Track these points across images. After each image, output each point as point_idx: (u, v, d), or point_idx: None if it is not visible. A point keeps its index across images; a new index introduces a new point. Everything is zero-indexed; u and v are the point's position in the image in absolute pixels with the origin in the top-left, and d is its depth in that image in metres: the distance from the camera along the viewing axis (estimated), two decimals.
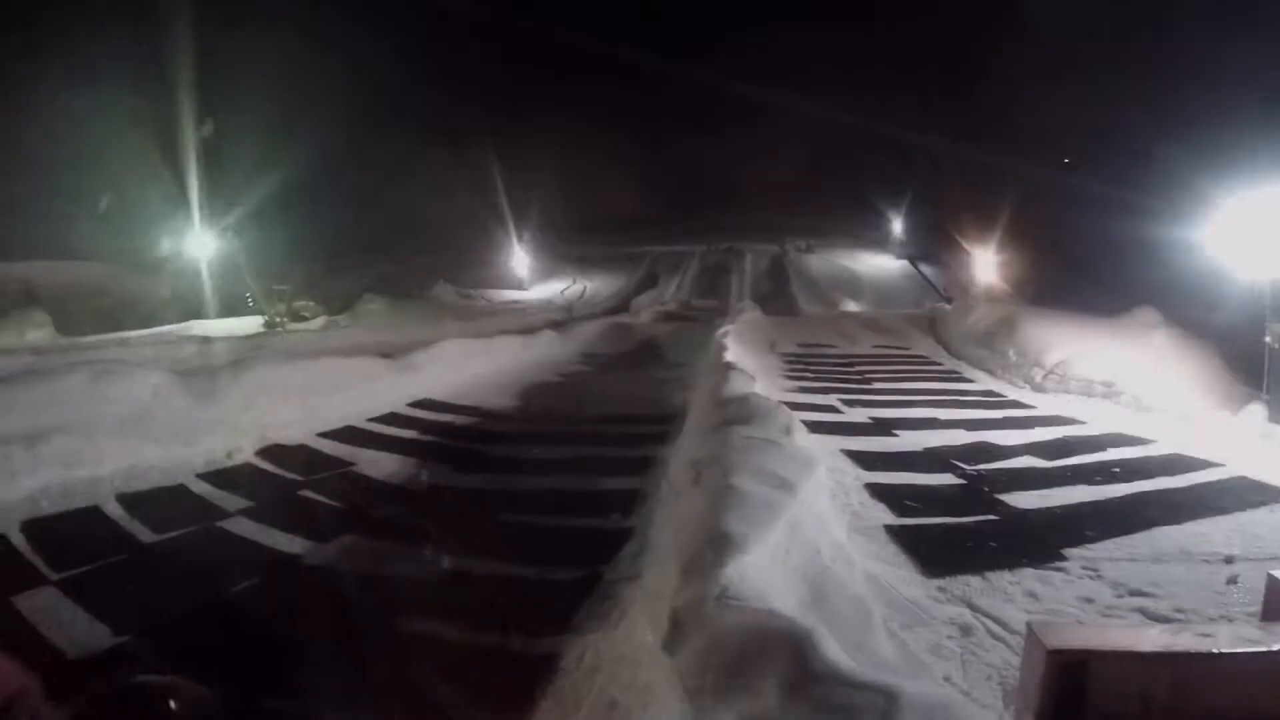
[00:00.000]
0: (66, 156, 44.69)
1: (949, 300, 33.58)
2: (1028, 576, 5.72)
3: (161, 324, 31.21)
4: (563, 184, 61.74)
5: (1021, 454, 9.55)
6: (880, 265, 55.80)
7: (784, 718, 3.23)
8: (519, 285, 49.40)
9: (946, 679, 4.34)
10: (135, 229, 43.48)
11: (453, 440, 12.50)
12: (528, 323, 29.43)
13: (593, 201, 68.84)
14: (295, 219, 48.23)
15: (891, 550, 6.34)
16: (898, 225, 62.49)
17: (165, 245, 42.51)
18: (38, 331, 27.83)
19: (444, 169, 58.84)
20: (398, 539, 8.10)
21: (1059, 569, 5.84)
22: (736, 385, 11.02)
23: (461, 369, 17.85)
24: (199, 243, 40.52)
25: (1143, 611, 5.24)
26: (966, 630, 4.93)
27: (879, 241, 63.19)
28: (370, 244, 54.07)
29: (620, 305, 40.67)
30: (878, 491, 7.85)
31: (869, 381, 15.70)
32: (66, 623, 6.35)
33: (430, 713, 4.89)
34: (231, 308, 36.97)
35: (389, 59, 64.56)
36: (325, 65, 56.70)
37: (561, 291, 47.68)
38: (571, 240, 61.14)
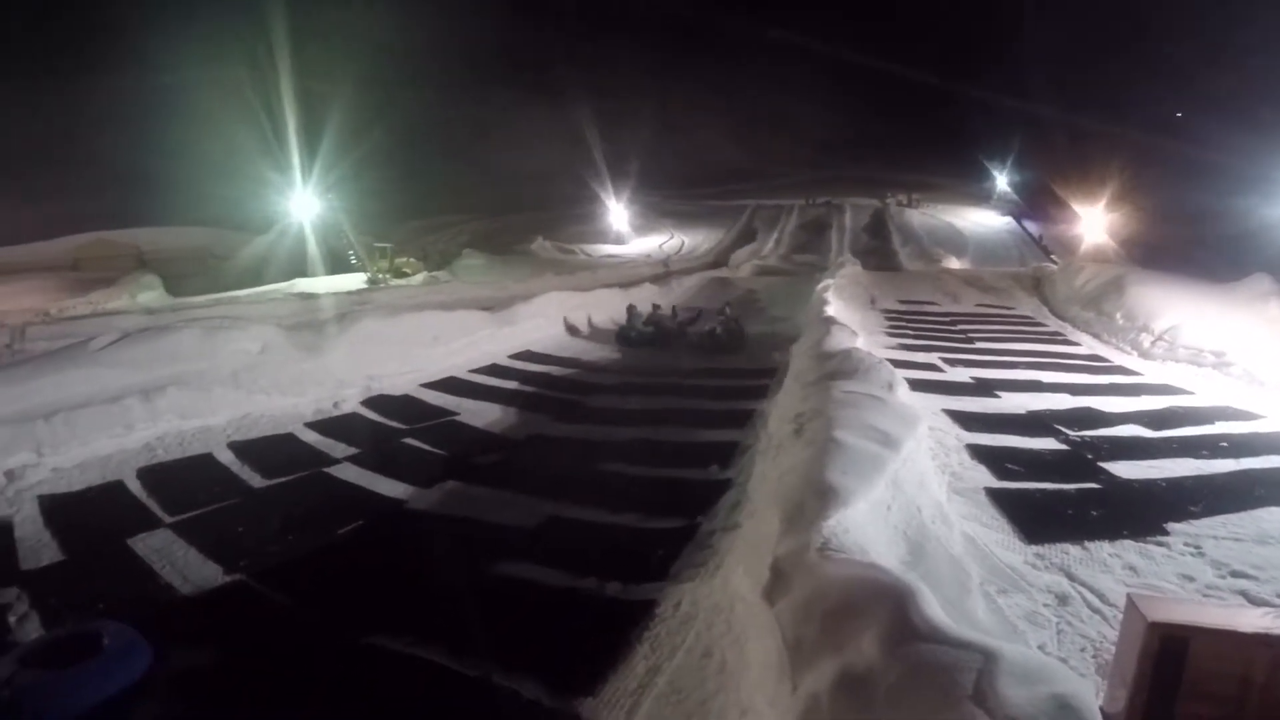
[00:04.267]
0: (172, 127, 46.06)
1: (1054, 259, 32.45)
2: (1128, 549, 5.46)
3: (267, 283, 32.00)
4: (661, 139, 61.37)
5: (1126, 422, 9.11)
6: (983, 221, 54.06)
7: (884, 671, 3.13)
8: (618, 240, 49.06)
9: (1040, 648, 4.16)
10: (240, 193, 44.55)
11: (552, 391, 12.56)
12: (627, 276, 29.30)
13: (691, 156, 68.32)
14: (395, 179, 49.06)
15: (991, 513, 6.12)
16: (1002, 180, 60.66)
17: (270, 208, 43.48)
18: (149, 293, 28.94)
19: (542, 125, 59.05)
20: (498, 485, 8.14)
21: (1160, 543, 5.54)
22: (838, 340, 10.79)
23: (561, 321, 17.94)
24: (302, 204, 41.41)
25: (1244, 594, 4.87)
26: (1063, 599, 4.73)
27: (983, 196, 61.37)
28: (469, 201, 54.59)
29: (719, 259, 40.16)
30: (979, 453, 7.59)
31: (971, 340, 15.23)
32: (179, 562, 6.56)
33: (527, 655, 4.89)
34: (335, 266, 37.71)
35: (485, 14, 64.82)
36: (420, 25, 57.13)
37: (660, 246, 47.33)
38: (670, 195, 60.76)
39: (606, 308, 20.56)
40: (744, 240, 47.03)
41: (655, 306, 19.76)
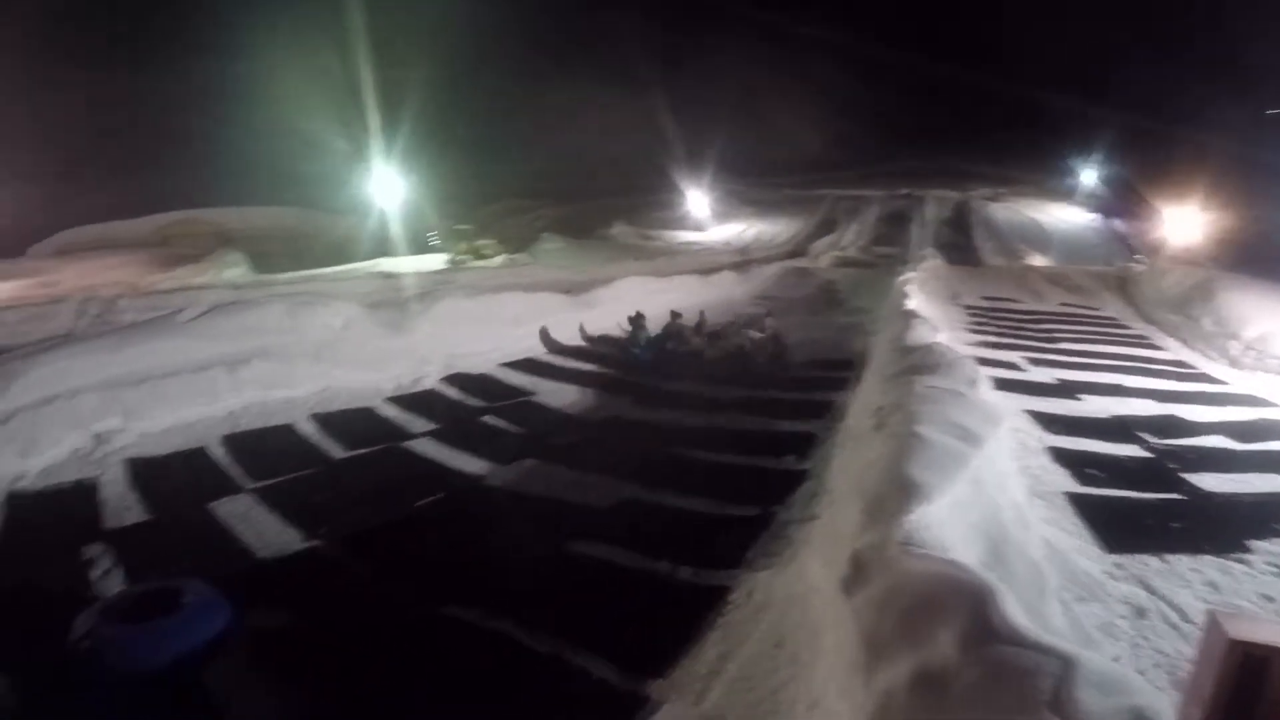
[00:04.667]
0: (259, 109, 46.99)
1: (1141, 259, 31.47)
2: (1208, 564, 5.15)
3: (349, 262, 32.39)
4: (743, 126, 60.66)
5: (1212, 432, 8.65)
6: (1067, 218, 52.49)
7: (961, 670, 3.00)
8: (697, 227, 48.46)
9: (1114, 660, 3.96)
10: (325, 175, 45.19)
11: (631, 375, 12.47)
12: (706, 263, 29.09)
13: (772, 144, 67.22)
14: (475, 162, 49.32)
15: (1071, 519, 5.86)
16: (1087, 176, 59.02)
17: (353, 189, 44.03)
18: (234, 270, 29.45)
19: (622, 111, 58.61)
20: (575, 465, 8.11)
21: (1242, 560, 5.21)
22: (919, 334, 10.52)
23: (640, 306, 17.83)
24: (385, 186, 41.87)
25: None
26: (1141, 612, 4.49)
27: (1066, 192, 59.76)
28: (547, 186, 54.59)
29: (798, 249, 39.57)
30: (1060, 456, 7.28)
31: (1055, 340, 14.72)
32: (259, 526, 6.65)
33: (598, 634, 4.85)
34: (416, 247, 38.06)
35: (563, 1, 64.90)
36: (502, 10, 57.34)
37: (740, 233, 46.97)
38: (750, 183, 60.03)
39: (687, 294, 20.39)
40: (824, 230, 46.33)
41: (674, 315, 15.44)
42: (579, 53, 67.22)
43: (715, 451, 8.66)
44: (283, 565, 5.95)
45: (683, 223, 48.81)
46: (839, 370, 12.25)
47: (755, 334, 14.36)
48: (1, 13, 42.49)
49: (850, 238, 43.93)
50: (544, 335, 14.40)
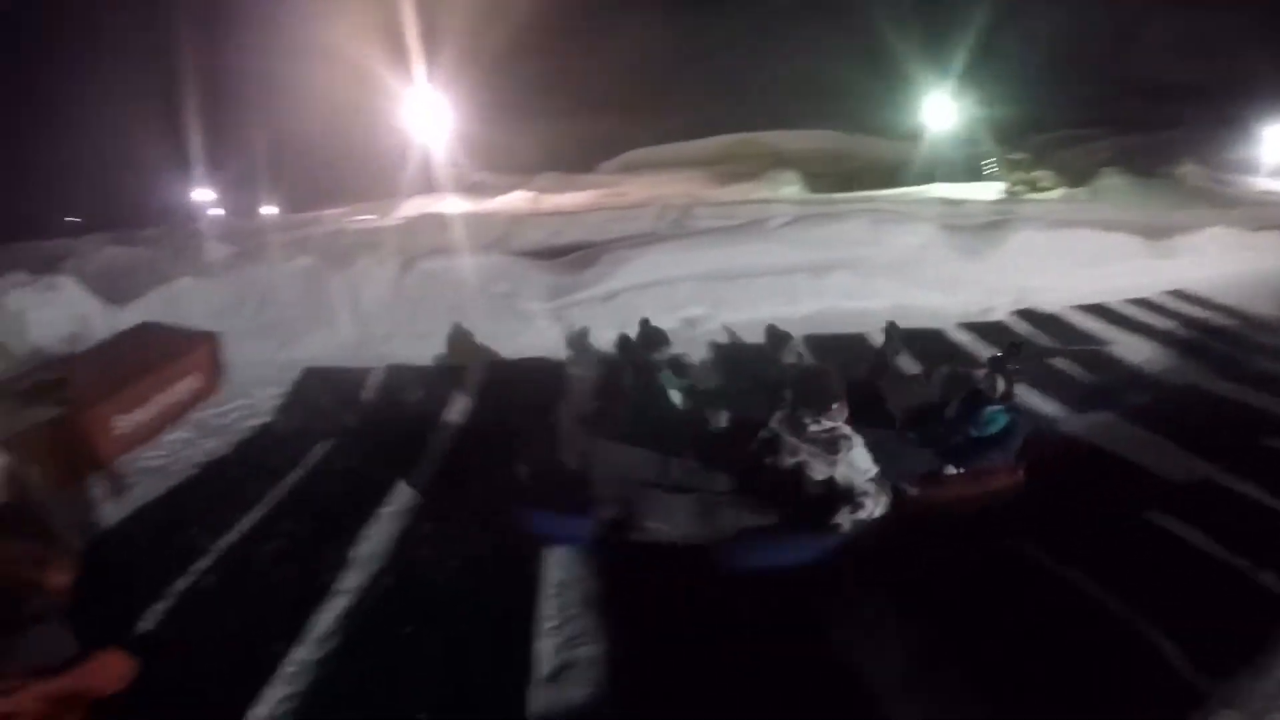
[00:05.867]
0: (806, 39, 48.26)
1: None
2: None
3: (899, 187, 32.36)
4: None
5: None
6: None
7: None
8: (1275, 172, 41.10)
9: None
10: (873, 96, 45.23)
11: (1213, 341, 11.07)
12: None
13: None
14: (1024, 87, 46.31)
15: None
16: None
17: (904, 113, 43.70)
18: (789, 188, 30.78)
19: (1194, 30, 51.06)
20: (1149, 428, 7.58)
21: None
22: None
23: (1221, 265, 15.95)
24: (936, 109, 41.10)
25: None
26: None
27: None
28: (1102, 115, 49.76)
29: None
30: None
31: None
32: None
33: (1168, 616, 4.49)
34: (968, 174, 37.17)
35: None
36: None
37: None
38: None
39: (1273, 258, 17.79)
40: None
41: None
42: None
43: None
44: None
45: (1255, 166, 41.10)
46: None
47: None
48: None
49: None
50: None
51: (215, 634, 4.79)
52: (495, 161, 41.05)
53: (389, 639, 4.58)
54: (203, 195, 44.95)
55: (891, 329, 8.60)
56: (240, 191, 43.89)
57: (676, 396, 6.28)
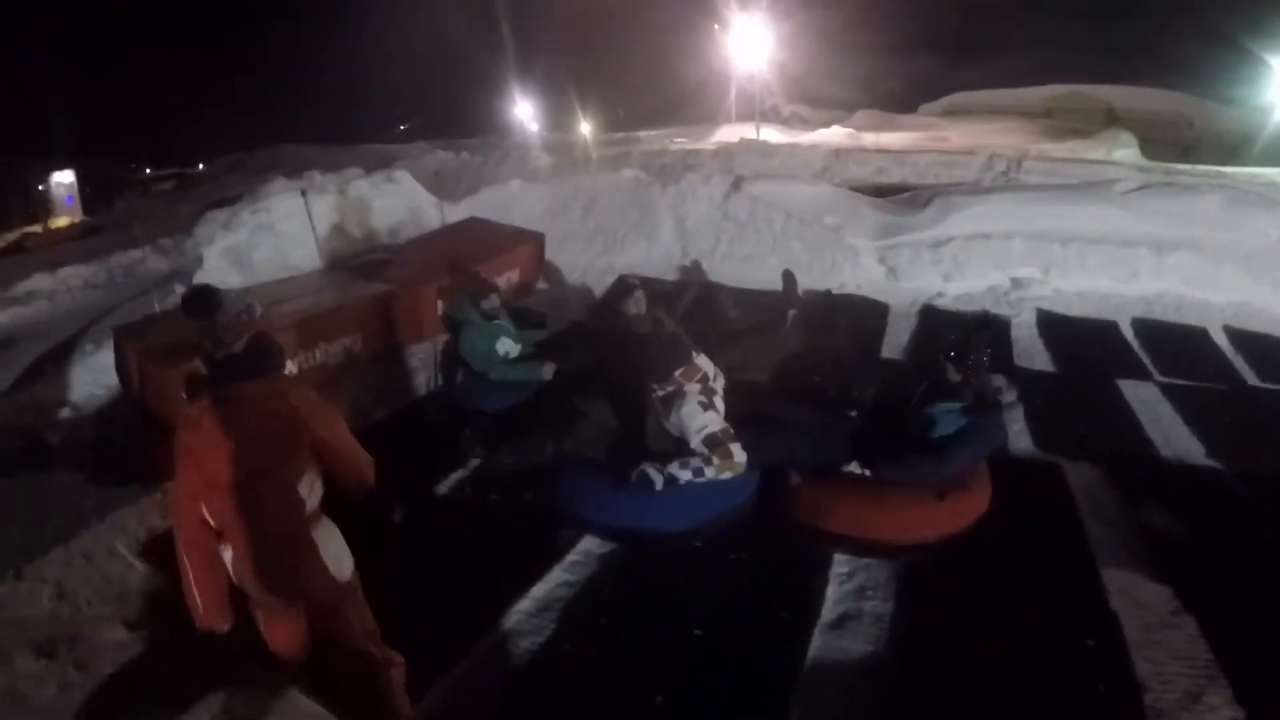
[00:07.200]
0: None
1: None
2: None
3: (1242, 165, 28.56)
4: None
5: None
6: None
7: None
8: None
9: None
10: (1222, 59, 40.33)
11: None
12: None
13: None
14: None
15: None
16: None
17: (1256, 79, 38.10)
18: (1124, 151, 27.86)
19: None
20: None
21: None
22: None
23: None
24: None
25: None
26: None
27: None
28: None
29: None
30: None
31: None
32: (1165, 423, 6.49)
33: None
34: None
35: None
36: None
37: None
38: None
39: None
40: None
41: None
42: None
43: None
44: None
45: None
46: None
47: None
48: None
49: None
50: None
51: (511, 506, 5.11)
52: (813, 96, 40.32)
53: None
54: (522, 112, 46.15)
55: (787, 276, 7.70)
56: (557, 113, 44.80)
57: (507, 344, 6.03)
